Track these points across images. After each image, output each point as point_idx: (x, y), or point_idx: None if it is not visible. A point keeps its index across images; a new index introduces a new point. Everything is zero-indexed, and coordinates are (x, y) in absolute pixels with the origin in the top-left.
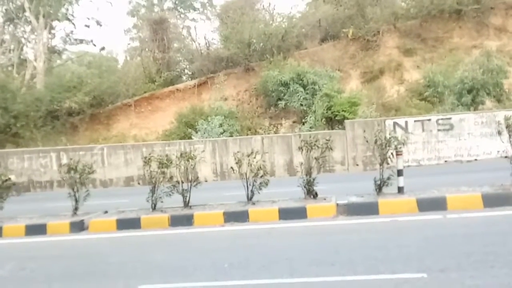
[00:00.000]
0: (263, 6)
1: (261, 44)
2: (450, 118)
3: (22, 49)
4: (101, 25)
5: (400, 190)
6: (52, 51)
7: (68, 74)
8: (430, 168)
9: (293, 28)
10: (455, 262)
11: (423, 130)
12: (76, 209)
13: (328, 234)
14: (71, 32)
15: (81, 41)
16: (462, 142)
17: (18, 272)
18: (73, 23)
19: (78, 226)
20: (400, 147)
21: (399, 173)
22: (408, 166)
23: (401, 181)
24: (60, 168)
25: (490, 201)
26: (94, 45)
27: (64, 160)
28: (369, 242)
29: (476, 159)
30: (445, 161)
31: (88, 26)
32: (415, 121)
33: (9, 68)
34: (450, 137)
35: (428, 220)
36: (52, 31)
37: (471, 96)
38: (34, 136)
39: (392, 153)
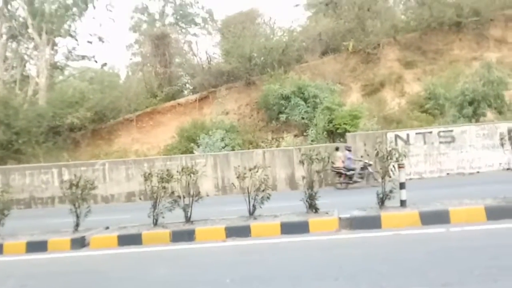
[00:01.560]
0: (264, 20)
1: (262, 58)
2: (451, 131)
3: (24, 66)
4: (103, 41)
5: (403, 203)
6: (55, 67)
7: (70, 90)
8: (432, 180)
9: (293, 42)
10: (459, 276)
11: (424, 142)
12: (77, 225)
13: (330, 249)
14: (74, 48)
15: (83, 57)
16: (464, 155)
17: None
18: (75, 39)
19: (79, 243)
20: (401, 160)
21: (401, 186)
22: (410, 179)
23: (404, 194)
24: (62, 184)
25: (493, 213)
26: (96, 61)
27: (66, 176)
28: (372, 256)
29: (478, 172)
30: (447, 173)
31: (90, 42)
32: (416, 133)
33: (12, 85)
34: (452, 149)
35: (431, 234)
36: (55, 47)
37: (472, 108)
38: (36, 152)
39: (394, 166)
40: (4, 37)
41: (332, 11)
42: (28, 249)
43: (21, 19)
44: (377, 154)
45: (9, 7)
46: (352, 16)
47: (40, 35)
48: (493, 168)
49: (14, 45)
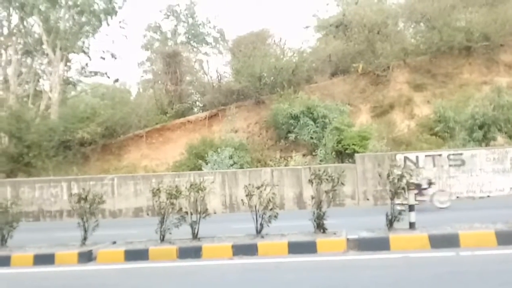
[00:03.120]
0: (274, 41)
1: (272, 77)
2: (461, 154)
3: (38, 81)
4: (116, 58)
5: (412, 225)
6: (67, 83)
7: (82, 105)
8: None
9: (303, 62)
10: None
11: (434, 165)
12: (85, 239)
13: (338, 270)
14: (86, 64)
15: (96, 73)
16: (474, 178)
17: None
18: (88, 56)
19: (86, 257)
20: (411, 182)
21: (411, 208)
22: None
23: (413, 217)
24: (71, 197)
25: (504, 238)
26: (108, 77)
27: (75, 190)
28: (380, 279)
29: (488, 196)
30: (457, 197)
31: (103, 59)
32: (426, 156)
33: (25, 99)
34: (461, 172)
35: (440, 257)
36: (68, 63)
37: (482, 131)
38: (46, 166)
39: (403, 188)
40: (19, 52)
41: (342, 33)
42: (35, 261)
43: (36, 36)
44: (388, 176)
45: (24, 23)
46: (362, 38)
47: (54, 51)
48: (504, 193)
49: (28, 60)
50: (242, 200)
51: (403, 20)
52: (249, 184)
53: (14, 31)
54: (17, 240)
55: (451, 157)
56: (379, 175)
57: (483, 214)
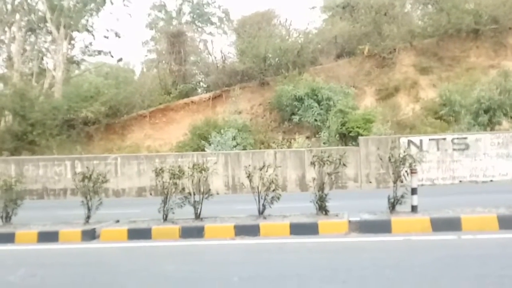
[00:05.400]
0: (280, 21)
1: (277, 59)
2: (466, 138)
3: (42, 59)
4: (119, 37)
5: (414, 209)
6: (71, 62)
7: (86, 84)
8: (444, 187)
9: (309, 44)
10: (470, 284)
11: (438, 149)
12: (88, 217)
13: (339, 251)
14: (90, 43)
15: (100, 52)
16: (477, 162)
17: (28, 278)
18: (92, 34)
19: (90, 235)
20: (414, 165)
21: (413, 191)
22: (422, 185)
23: (415, 200)
24: (75, 176)
25: (506, 223)
26: (112, 56)
27: (79, 169)
28: (382, 261)
29: (491, 180)
30: (460, 181)
31: (107, 37)
32: (430, 139)
33: (29, 77)
34: (465, 157)
35: (442, 240)
36: (72, 42)
37: (488, 116)
38: (50, 144)
39: (406, 171)
40: (23, 30)
41: (348, 15)
42: (39, 239)
43: (40, 13)
44: (389, 159)
45: (28, 0)
46: (368, 20)
47: (58, 29)
48: (507, 177)
49: (32, 38)
50: (242, 183)
51: (411, 1)
52: (249, 166)
53: (18, 8)
54: (21, 217)
55: (455, 141)
56: (380, 158)
57: (485, 198)
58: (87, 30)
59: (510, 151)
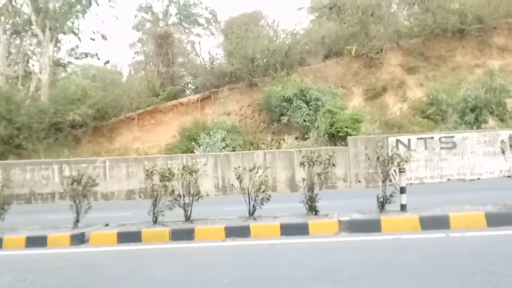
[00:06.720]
0: (267, 22)
1: (265, 60)
2: (453, 137)
3: (27, 62)
4: (106, 39)
5: (403, 207)
6: (57, 64)
7: (72, 87)
8: (432, 186)
9: (296, 44)
10: (459, 282)
11: (425, 148)
12: (77, 221)
13: (330, 251)
14: (77, 46)
15: (86, 54)
16: (465, 161)
17: (17, 283)
18: (78, 37)
19: (79, 239)
20: (402, 164)
21: (402, 190)
22: (411, 184)
23: (404, 199)
24: (63, 180)
25: (494, 220)
26: (99, 59)
27: (67, 172)
28: (372, 260)
29: (479, 178)
30: (448, 179)
31: (93, 40)
32: (417, 138)
33: (14, 80)
34: (453, 155)
35: (431, 239)
36: (58, 44)
37: (474, 114)
38: (37, 148)
39: (394, 170)
40: (8, 33)
41: (335, 15)
42: (28, 244)
43: (25, 16)
44: (378, 158)
45: (13, 3)
46: (355, 20)
47: (43, 31)
48: (494, 175)
49: (17, 41)
50: (232, 184)
51: (397, 2)
52: (239, 167)
53: (3, 10)
54: (9, 222)
55: (443, 139)
56: (369, 158)
57: (473, 196)
58: (73, 33)
59: (496, 149)
